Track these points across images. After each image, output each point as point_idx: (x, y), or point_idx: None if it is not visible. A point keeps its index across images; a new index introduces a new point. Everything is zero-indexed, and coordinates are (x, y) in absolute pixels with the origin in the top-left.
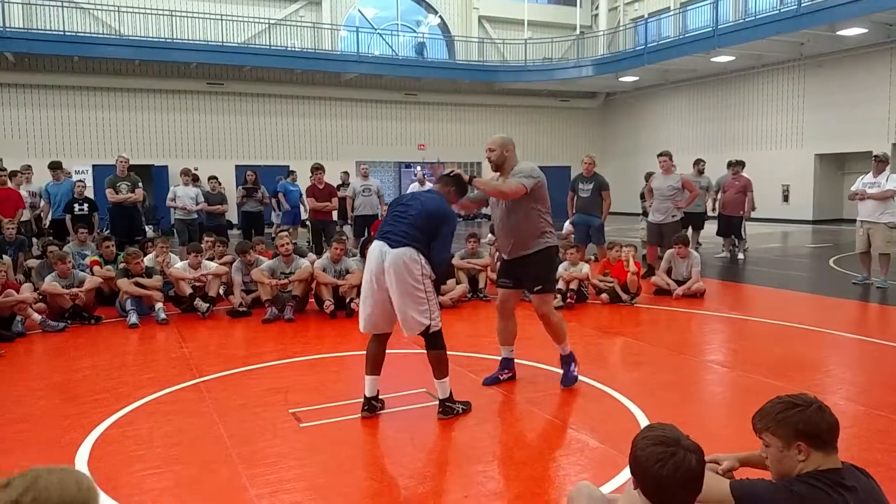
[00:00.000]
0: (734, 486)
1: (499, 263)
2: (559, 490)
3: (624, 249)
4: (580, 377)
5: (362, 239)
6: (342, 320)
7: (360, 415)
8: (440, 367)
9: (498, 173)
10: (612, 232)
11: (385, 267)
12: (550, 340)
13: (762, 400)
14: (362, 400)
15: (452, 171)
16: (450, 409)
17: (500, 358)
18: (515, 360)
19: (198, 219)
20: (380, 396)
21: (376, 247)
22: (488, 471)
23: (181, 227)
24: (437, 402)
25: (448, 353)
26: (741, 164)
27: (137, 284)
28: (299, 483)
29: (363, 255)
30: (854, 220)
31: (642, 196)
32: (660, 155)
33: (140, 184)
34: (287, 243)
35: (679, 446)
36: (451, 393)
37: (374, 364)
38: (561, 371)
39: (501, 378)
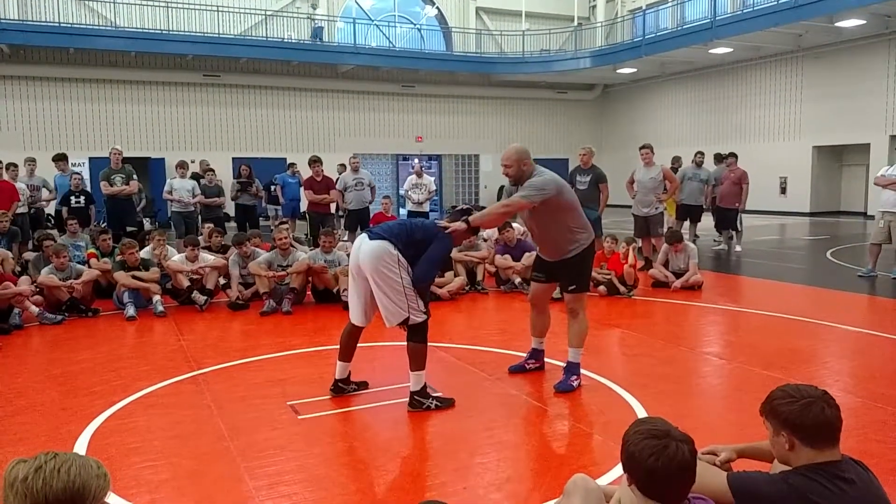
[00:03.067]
0: (731, 477)
1: (532, 258)
2: (556, 482)
3: (621, 243)
4: (582, 370)
5: (358, 232)
6: (339, 312)
7: (329, 395)
8: (416, 360)
9: (516, 186)
10: (610, 224)
11: (360, 259)
12: (557, 336)
13: (759, 392)
14: (347, 387)
15: (460, 207)
16: (418, 403)
17: (499, 351)
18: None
19: (195, 211)
20: (352, 380)
21: (357, 240)
22: (486, 462)
23: (178, 219)
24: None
25: (447, 345)
26: (734, 155)
27: (134, 277)
28: (297, 475)
29: None
30: (853, 212)
31: None
32: (641, 148)
33: (135, 176)
34: (286, 237)
35: (670, 438)
36: (424, 386)
37: (345, 352)
38: (564, 369)
39: (528, 367)
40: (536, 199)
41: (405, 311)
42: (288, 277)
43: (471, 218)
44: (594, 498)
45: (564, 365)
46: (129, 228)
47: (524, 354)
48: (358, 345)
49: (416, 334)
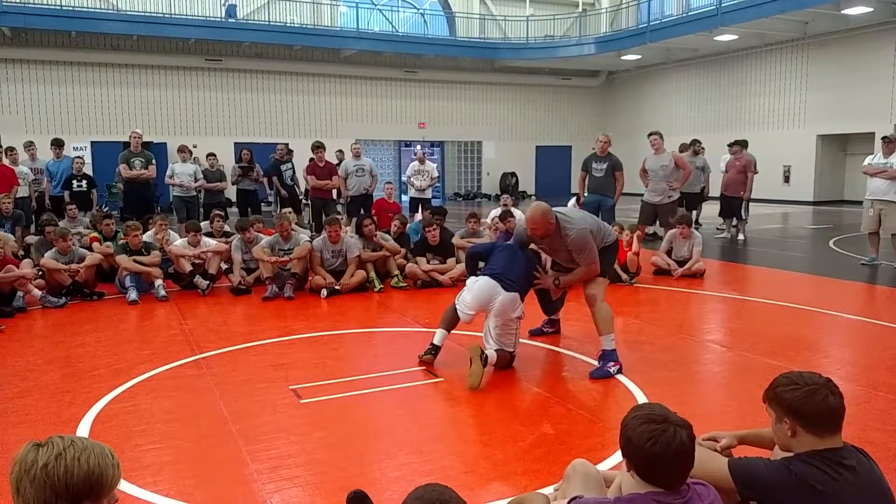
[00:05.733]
0: (732, 463)
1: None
2: (557, 467)
3: (625, 230)
4: (584, 357)
5: (359, 217)
6: (340, 298)
7: (422, 359)
8: (501, 364)
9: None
10: (617, 213)
11: (496, 302)
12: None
13: (761, 379)
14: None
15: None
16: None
17: None
18: (521, 341)
19: (196, 195)
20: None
21: (489, 283)
22: (487, 447)
23: (179, 204)
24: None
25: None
26: (741, 143)
27: (136, 261)
28: (299, 458)
29: (360, 234)
30: (857, 201)
31: None
32: (650, 134)
33: (154, 160)
34: (287, 225)
35: (668, 423)
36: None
37: (449, 323)
38: (598, 358)
39: (545, 331)
40: (595, 254)
41: (511, 348)
42: (290, 262)
43: (562, 281)
44: (594, 483)
45: (598, 358)
46: (147, 214)
47: (531, 342)
48: (359, 330)
49: (507, 360)
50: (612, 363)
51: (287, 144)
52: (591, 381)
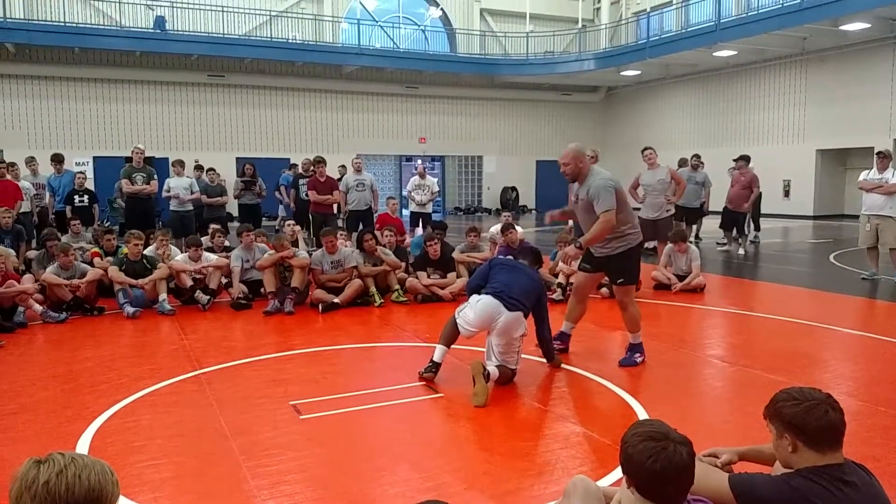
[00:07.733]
0: (733, 479)
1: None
2: (557, 483)
3: None
4: (585, 373)
5: (359, 231)
6: (340, 313)
7: (422, 376)
8: (503, 378)
9: (575, 183)
10: None
11: (499, 322)
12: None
13: (761, 395)
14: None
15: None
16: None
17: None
18: (524, 356)
19: (193, 210)
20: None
21: (491, 303)
22: (487, 463)
23: (174, 218)
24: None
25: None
26: (745, 158)
27: (130, 274)
28: (299, 474)
29: (361, 248)
30: (857, 216)
31: None
32: (645, 149)
33: (155, 175)
34: (288, 243)
35: (669, 440)
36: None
37: (449, 338)
38: (626, 350)
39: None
40: (613, 203)
41: (514, 365)
42: (290, 278)
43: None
44: (594, 499)
45: (626, 349)
46: (149, 230)
47: (531, 357)
48: (359, 345)
49: (509, 376)
50: (639, 354)
51: (309, 159)
52: (590, 397)
